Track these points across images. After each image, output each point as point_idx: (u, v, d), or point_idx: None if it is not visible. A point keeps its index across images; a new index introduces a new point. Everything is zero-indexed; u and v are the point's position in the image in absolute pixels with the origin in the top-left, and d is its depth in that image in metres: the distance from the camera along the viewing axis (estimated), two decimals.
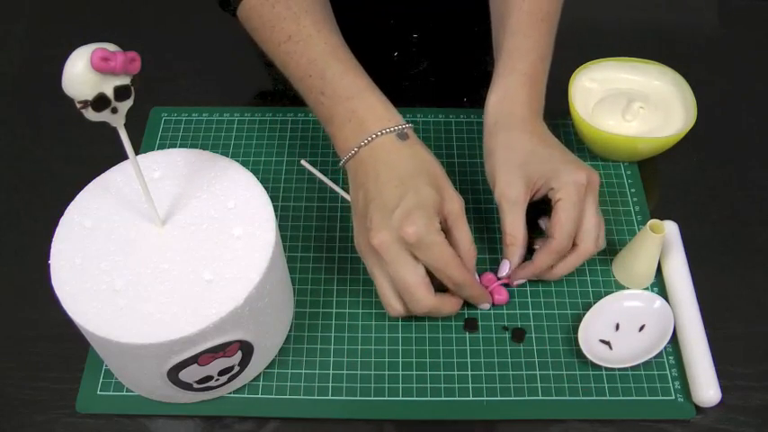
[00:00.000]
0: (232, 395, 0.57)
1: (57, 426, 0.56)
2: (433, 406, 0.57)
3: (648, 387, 0.58)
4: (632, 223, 0.68)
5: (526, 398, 0.57)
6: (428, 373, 0.59)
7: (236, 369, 0.55)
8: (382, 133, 0.57)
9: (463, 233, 0.57)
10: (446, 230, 0.57)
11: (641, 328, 0.60)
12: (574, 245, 0.60)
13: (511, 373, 0.59)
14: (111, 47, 0.42)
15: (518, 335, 0.61)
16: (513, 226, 0.60)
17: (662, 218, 0.64)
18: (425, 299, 0.55)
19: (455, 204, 0.57)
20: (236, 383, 0.57)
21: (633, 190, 0.70)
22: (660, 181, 0.72)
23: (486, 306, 0.61)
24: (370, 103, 0.59)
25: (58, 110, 0.76)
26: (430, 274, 0.56)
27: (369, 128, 0.58)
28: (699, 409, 0.57)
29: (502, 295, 0.62)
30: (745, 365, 0.60)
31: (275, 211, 0.54)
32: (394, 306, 0.57)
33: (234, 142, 0.73)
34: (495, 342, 0.60)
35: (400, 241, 0.54)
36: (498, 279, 0.62)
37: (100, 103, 0.43)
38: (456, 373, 0.59)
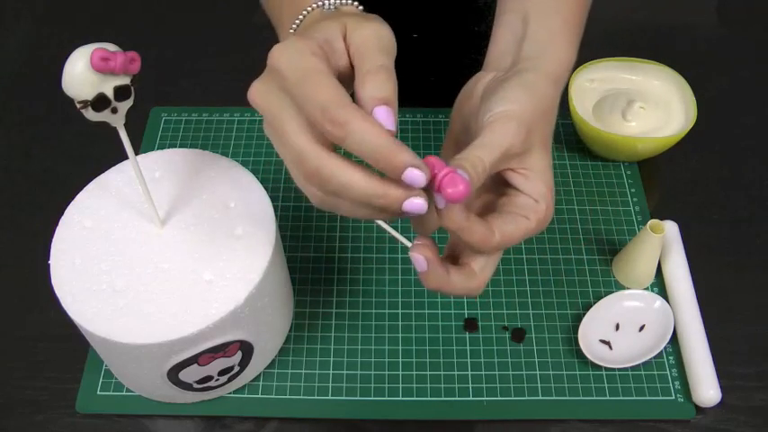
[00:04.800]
0: (232, 395, 0.57)
1: (57, 426, 0.57)
2: (432, 406, 0.57)
3: (648, 387, 0.58)
4: (632, 223, 0.68)
5: (526, 398, 0.57)
6: (428, 373, 0.59)
7: (236, 369, 0.55)
8: (315, 7, 0.45)
9: (370, 62, 0.39)
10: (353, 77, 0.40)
11: (641, 328, 0.60)
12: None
13: (511, 373, 0.59)
14: (111, 47, 0.42)
15: (518, 335, 0.61)
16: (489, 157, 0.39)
17: (662, 218, 0.64)
18: (295, 143, 0.37)
19: (364, 30, 0.39)
20: (236, 383, 0.57)
21: (633, 190, 0.70)
22: (660, 181, 0.72)
23: (416, 205, 0.36)
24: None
25: (57, 110, 0.76)
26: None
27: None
28: (699, 409, 0.57)
29: (457, 186, 0.36)
30: (746, 365, 0.60)
31: (275, 211, 0.54)
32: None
33: (234, 142, 0.73)
34: (495, 342, 0.60)
35: (273, 78, 0.38)
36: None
37: (100, 103, 0.43)
38: (456, 373, 0.59)
